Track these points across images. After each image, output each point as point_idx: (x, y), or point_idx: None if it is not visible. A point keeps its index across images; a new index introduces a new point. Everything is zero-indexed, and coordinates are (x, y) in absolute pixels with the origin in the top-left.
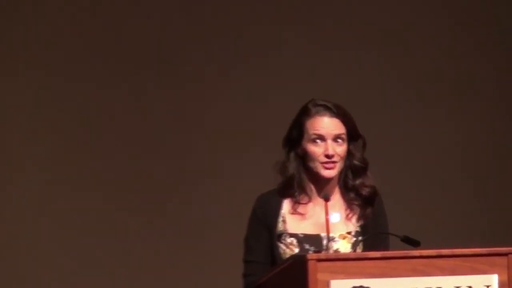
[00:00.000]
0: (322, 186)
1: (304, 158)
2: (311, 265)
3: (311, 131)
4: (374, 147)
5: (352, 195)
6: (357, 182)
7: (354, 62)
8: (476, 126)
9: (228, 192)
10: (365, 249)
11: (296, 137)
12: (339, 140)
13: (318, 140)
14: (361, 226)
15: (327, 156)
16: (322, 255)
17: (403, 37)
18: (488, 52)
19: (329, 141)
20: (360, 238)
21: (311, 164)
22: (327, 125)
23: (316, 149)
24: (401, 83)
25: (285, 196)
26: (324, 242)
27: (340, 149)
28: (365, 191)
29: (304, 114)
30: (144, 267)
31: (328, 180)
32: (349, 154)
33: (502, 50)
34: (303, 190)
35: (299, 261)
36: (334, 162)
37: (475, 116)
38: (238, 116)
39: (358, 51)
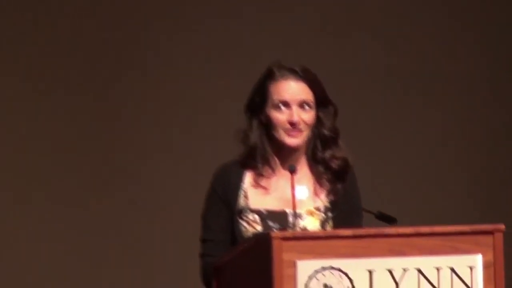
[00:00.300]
0: (287, 157)
1: (268, 126)
2: (275, 244)
3: (275, 96)
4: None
5: (321, 168)
6: (327, 153)
7: (348, 49)
8: (470, 118)
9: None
10: (336, 227)
11: (258, 102)
12: (306, 107)
13: (282, 106)
14: (331, 202)
15: (292, 123)
16: (288, 233)
17: (398, 28)
18: (483, 45)
19: (294, 107)
20: (330, 214)
21: (275, 133)
22: (292, 90)
23: (280, 116)
24: (393, 76)
25: (246, 167)
26: (290, 219)
27: (306, 116)
28: (335, 164)
29: (268, 77)
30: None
31: (293, 150)
32: (318, 122)
33: (499, 47)
34: (267, 162)
35: (263, 240)
36: (299, 130)
37: (469, 108)
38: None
39: (352, 38)
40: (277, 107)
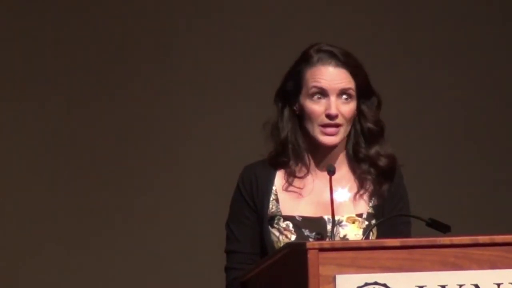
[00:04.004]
0: (324, 155)
1: (301, 118)
2: (311, 256)
3: (311, 84)
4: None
5: (364, 167)
6: (372, 150)
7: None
8: None
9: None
10: (381, 235)
11: (292, 90)
12: (346, 97)
13: (319, 96)
14: (375, 207)
15: (329, 116)
16: (326, 243)
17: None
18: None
19: (333, 98)
20: (374, 221)
21: (309, 127)
22: (331, 76)
23: (316, 107)
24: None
25: (277, 166)
26: (328, 226)
27: (346, 108)
28: (382, 162)
29: (304, 61)
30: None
31: (331, 147)
32: (360, 115)
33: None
34: (300, 159)
35: (296, 251)
36: (337, 125)
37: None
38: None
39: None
40: (313, 97)
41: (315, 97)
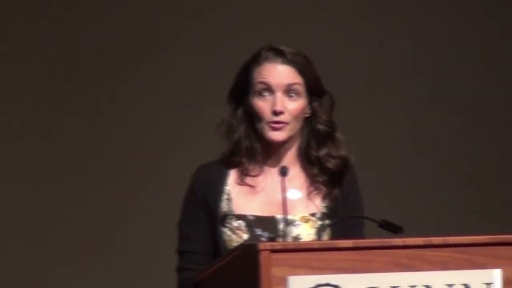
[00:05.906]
0: (276, 154)
1: (252, 117)
2: (263, 257)
3: (257, 81)
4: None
5: (315, 170)
6: (322, 152)
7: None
8: (484, 120)
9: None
10: (334, 236)
11: (242, 89)
12: (292, 94)
13: (265, 93)
14: (329, 207)
15: (275, 112)
16: (278, 244)
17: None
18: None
19: (279, 94)
20: (327, 221)
21: (257, 125)
22: (276, 74)
23: (262, 104)
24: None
25: (231, 166)
26: (281, 226)
27: (293, 105)
28: (331, 164)
29: (253, 60)
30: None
31: (281, 145)
32: (312, 115)
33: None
34: (253, 158)
35: (248, 252)
36: (284, 122)
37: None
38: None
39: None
40: (260, 94)
41: (262, 94)
